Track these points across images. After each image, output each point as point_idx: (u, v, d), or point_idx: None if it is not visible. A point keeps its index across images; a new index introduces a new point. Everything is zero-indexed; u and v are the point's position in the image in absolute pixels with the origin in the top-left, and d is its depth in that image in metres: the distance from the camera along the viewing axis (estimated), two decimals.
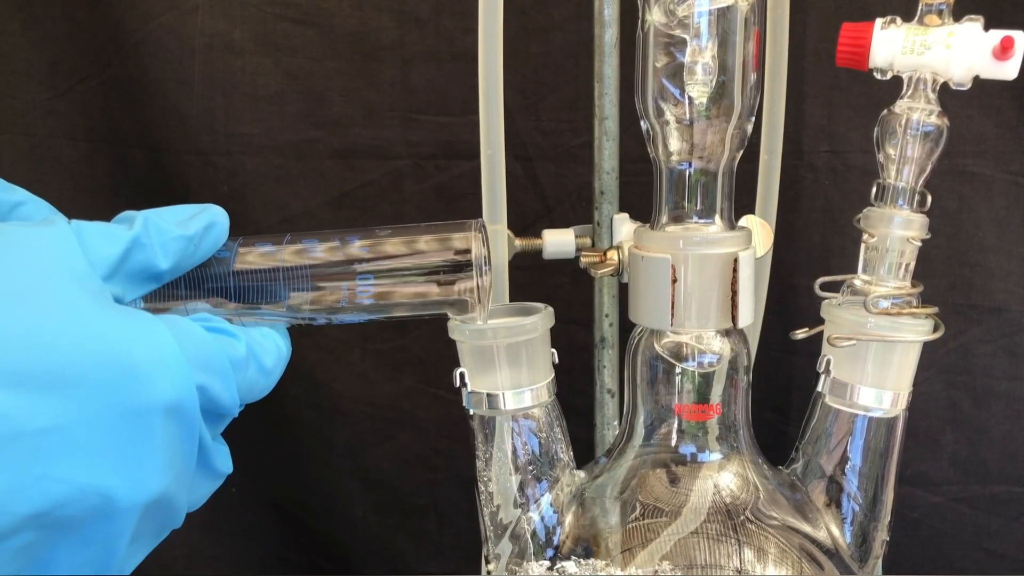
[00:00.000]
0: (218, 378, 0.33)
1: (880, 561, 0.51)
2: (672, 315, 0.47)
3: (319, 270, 0.39)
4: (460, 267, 0.40)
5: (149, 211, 0.35)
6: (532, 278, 0.80)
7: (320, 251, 0.39)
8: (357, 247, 0.39)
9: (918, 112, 0.47)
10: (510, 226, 0.61)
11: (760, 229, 0.51)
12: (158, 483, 0.31)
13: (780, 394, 0.84)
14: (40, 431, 0.28)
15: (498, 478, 0.49)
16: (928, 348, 0.48)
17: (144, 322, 0.32)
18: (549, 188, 0.83)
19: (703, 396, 0.49)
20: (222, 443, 0.36)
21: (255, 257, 0.38)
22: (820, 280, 0.50)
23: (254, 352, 0.36)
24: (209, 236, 0.36)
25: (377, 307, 0.39)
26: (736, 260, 0.46)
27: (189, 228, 0.35)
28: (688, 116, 0.46)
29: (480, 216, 0.62)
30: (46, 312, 0.29)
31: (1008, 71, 0.45)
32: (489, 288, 0.41)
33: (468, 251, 0.40)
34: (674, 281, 0.46)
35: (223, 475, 0.36)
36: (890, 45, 0.47)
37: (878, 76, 0.48)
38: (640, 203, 0.54)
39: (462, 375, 0.48)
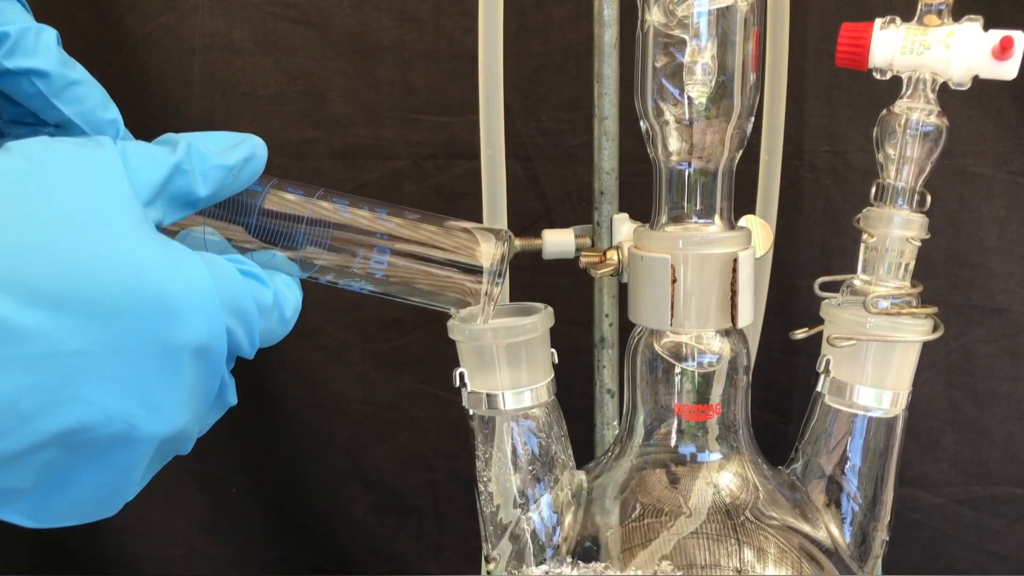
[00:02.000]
0: (244, 323, 0.34)
1: (880, 561, 0.51)
2: (672, 315, 0.47)
3: (341, 231, 0.39)
4: (476, 270, 0.40)
5: (192, 136, 0.35)
6: (532, 278, 0.80)
7: (347, 213, 0.39)
8: (383, 220, 0.39)
9: (917, 112, 0.47)
10: (510, 226, 0.60)
11: (760, 229, 0.51)
12: (180, 419, 0.32)
13: (780, 394, 0.84)
14: (76, 353, 0.29)
15: (498, 478, 0.49)
16: (929, 349, 0.48)
17: (185, 259, 0.32)
18: (549, 188, 0.83)
19: (703, 396, 0.49)
20: (231, 376, 0.37)
21: (285, 201, 0.38)
22: (820, 280, 0.50)
23: (278, 301, 0.36)
24: (248, 168, 0.37)
25: (386, 283, 0.40)
26: (736, 260, 0.46)
27: (230, 158, 0.36)
28: (687, 116, 0.46)
29: (480, 216, 0.62)
30: (92, 239, 0.30)
31: (1007, 71, 0.45)
32: (497, 297, 0.41)
33: (488, 256, 0.40)
34: (674, 281, 0.46)
35: (229, 406, 0.37)
36: (889, 45, 0.47)
37: (877, 76, 0.48)
38: (640, 203, 0.54)
39: (462, 375, 0.48)
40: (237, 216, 0.37)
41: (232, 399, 0.37)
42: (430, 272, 0.40)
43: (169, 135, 0.36)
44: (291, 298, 0.37)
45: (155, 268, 0.31)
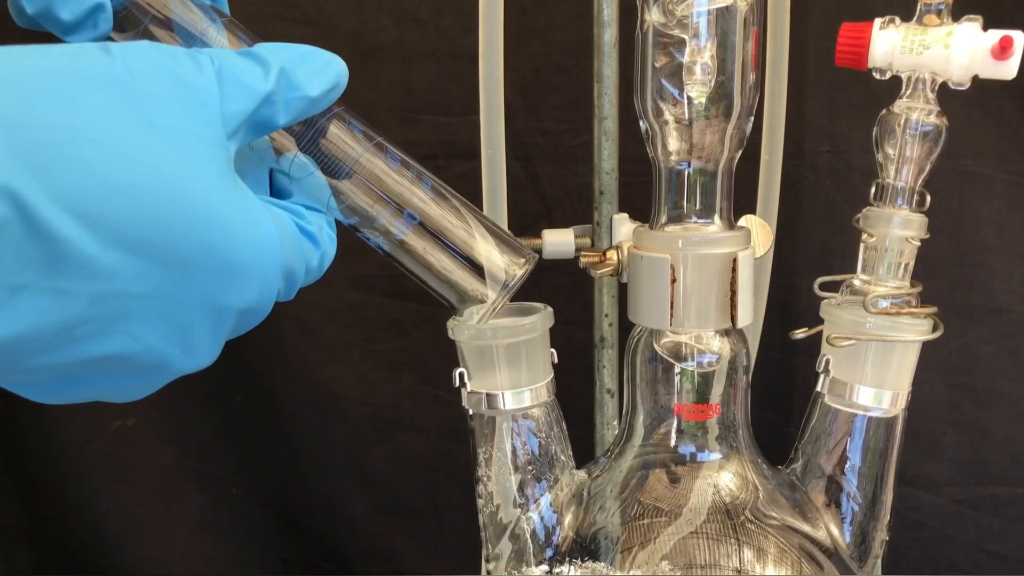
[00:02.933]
0: (290, 283, 0.35)
1: (880, 561, 0.51)
2: (671, 315, 0.47)
3: (381, 181, 0.39)
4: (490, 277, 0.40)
5: (285, 58, 0.34)
6: (532, 278, 0.80)
7: (396, 167, 0.39)
8: (424, 191, 0.39)
9: (917, 112, 0.47)
10: (510, 226, 0.60)
11: (760, 229, 0.51)
12: (210, 360, 0.33)
13: (781, 395, 0.84)
14: (137, 295, 0.30)
15: (498, 478, 0.49)
16: (929, 349, 0.48)
17: (260, 220, 0.32)
18: (549, 188, 0.83)
19: (702, 396, 0.49)
20: None
21: (344, 131, 0.38)
22: (819, 280, 0.50)
23: (321, 263, 0.37)
24: (328, 97, 0.36)
25: (400, 249, 0.40)
26: (735, 260, 0.46)
27: (315, 88, 0.35)
28: (687, 116, 0.46)
29: None
30: (179, 187, 0.30)
31: (1007, 71, 0.45)
32: (499, 309, 0.41)
33: (506, 269, 0.40)
34: (673, 281, 0.46)
35: None
36: (889, 45, 0.47)
37: (877, 76, 0.48)
38: (640, 203, 0.54)
39: (461, 375, 0.47)
40: (295, 129, 0.37)
41: None
42: (445, 260, 0.40)
43: (262, 48, 0.35)
44: (331, 253, 0.38)
45: (231, 227, 0.31)
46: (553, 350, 0.49)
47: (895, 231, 0.48)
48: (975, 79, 0.46)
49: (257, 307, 0.33)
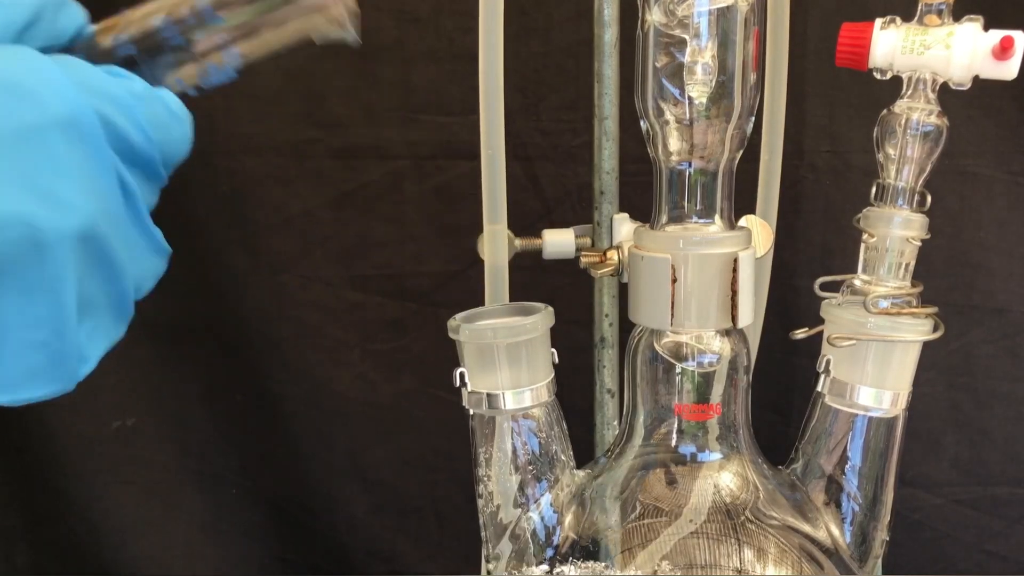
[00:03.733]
0: (118, 106, 0.31)
1: (880, 561, 0.51)
2: (672, 315, 0.47)
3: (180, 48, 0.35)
4: None
5: None
6: (532, 278, 0.80)
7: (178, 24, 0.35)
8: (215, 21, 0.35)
9: (918, 112, 0.47)
10: (510, 226, 0.60)
11: (760, 229, 0.51)
12: (81, 209, 0.29)
13: (781, 395, 0.84)
14: None
15: (498, 478, 0.49)
16: (929, 349, 0.48)
17: (24, 50, 0.30)
18: (549, 188, 0.83)
19: (703, 396, 0.49)
20: (156, 228, 0.34)
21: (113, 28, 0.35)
22: (820, 280, 0.50)
23: (155, 92, 0.33)
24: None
25: (250, 59, 0.36)
26: (736, 260, 0.46)
27: None
28: (688, 116, 0.46)
29: (480, 216, 0.61)
30: None
31: (1008, 71, 0.45)
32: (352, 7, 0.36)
33: None
34: (674, 281, 0.46)
35: (165, 252, 0.34)
36: (890, 45, 0.47)
37: (878, 76, 0.48)
38: (640, 203, 0.54)
39: (462, 375, 0.48)
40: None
41: (164, 243, 0.34)
42: (282, 28, 0.35)
43: None
44: (171, 95, 0.34)
45: None
46: (553, 350, 0.49)
47: (896, 231, 0.48)
48: (976, 79, 0.46)
49: (76, 118, 0.29)
